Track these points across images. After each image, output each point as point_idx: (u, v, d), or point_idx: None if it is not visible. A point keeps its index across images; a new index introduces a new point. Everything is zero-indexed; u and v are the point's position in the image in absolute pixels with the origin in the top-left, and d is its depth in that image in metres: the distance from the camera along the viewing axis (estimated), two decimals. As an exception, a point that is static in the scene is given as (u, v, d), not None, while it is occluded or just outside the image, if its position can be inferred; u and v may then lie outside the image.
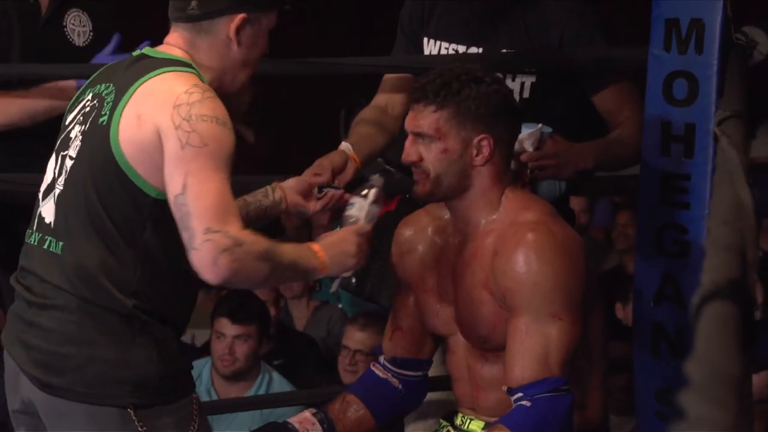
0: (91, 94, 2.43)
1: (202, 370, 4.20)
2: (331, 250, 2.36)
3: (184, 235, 2.22)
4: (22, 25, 3.25)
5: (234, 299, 4.23)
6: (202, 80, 2.34)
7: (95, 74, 2.49)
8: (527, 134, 2.66)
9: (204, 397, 4.12)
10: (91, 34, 3.34)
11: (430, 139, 2.45)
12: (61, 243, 2.35)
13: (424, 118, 2.45)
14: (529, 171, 2.63)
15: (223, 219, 2.21)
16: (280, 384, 4.15)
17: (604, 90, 2.87)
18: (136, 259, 2.32)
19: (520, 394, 2.36)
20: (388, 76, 3.08)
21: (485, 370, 2.53)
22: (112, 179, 2.30)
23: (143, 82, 2.32)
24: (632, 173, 2.98)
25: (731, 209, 1.41)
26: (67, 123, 2.45)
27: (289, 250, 2.32)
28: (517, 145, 2.60)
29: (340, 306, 5.11)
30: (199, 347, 4.71)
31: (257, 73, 2.52)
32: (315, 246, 2.36)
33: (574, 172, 2.71)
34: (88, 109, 2.41)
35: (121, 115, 2.30)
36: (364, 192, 2.52)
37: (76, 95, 2.49)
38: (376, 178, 2.54)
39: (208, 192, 2.22)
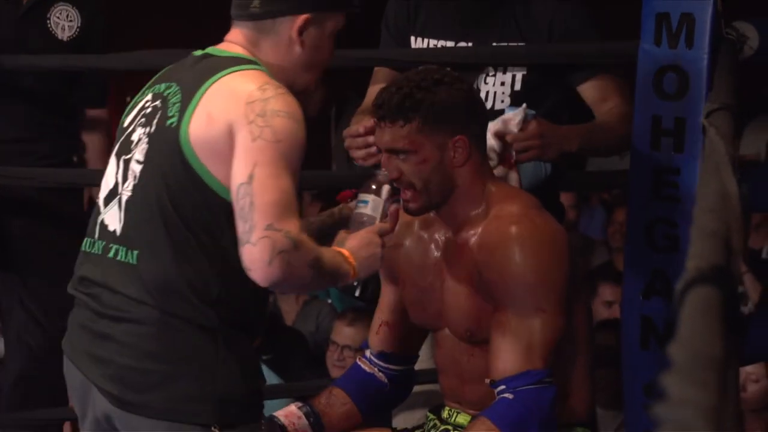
0: (151, 95, 2.34)
1: None
2: (359, 254, 2.29)
3: (241, 226, 2.13)
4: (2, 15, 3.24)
5: None
6: (271, 77, 2.26)
7: (156, 75, 2.40)
8: (512, 115, 2.64)
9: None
10: (79, 29, 3.32)
11: (406, 154, 2.43)
12: (135, 252, 2.24)
13: (394, 135, 2.43)
14: (514, 152, 2.63)
15: (286, 217, 2.13)
16: (267, 376, 4.14)
17: (589, 80, 2.87)
18: (216, 268, 2.22)
19: (503, 387, 2.37)
20: (378, 69, 3.08)
21: (471, 363, 2.53)
22: (185, 182, 2.21)
23: (213, 82, 2.24)
24: (623, 168, 2.98)
25: (717, 198, 1.41)
26: (125, 125, 2.36)
27: (329, 257, 2.23)
28: (501, 126, 2.60)
29: (329, 301, 5.12)
30: None
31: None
32: (344, 251, 2.28)
33: (558, 154, 2.71)
34: (150, 110, 2.31)
35: (191, 115, 2.22)
36: (374, 187, 2.43)
37: (135, 97, 2.41)
38: (383, 173, 2.45)
39: (274, 187, 2.13)
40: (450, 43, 2.92)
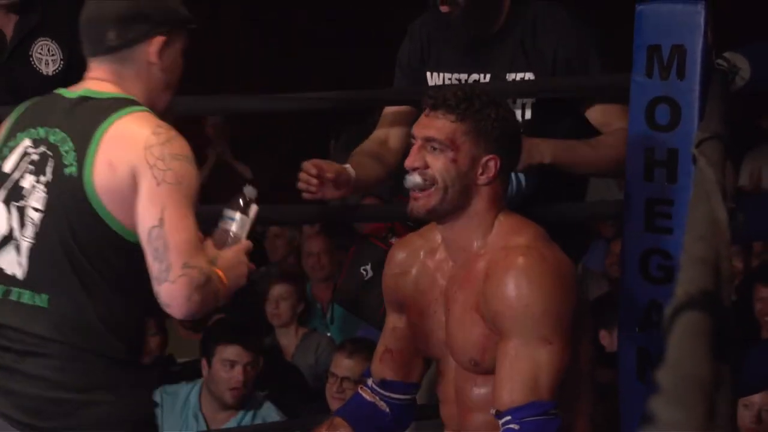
0: (29, 140, 2.42)
1: (189, 394, 4.17)
2: (229, 274, 2.39)
3: (156, 267, 2.27)
4: None
5: (237, 324, 4.21)
6: (156, 117, 2.39)
7: (18, 116, 2.48)
8: None
9: (191, 423, 4.10)
10: (62, 62, 3.33)
11: (442, 148, 2.47)
12: (44, 295, 2.36)
13: (443, 126, 2.47)
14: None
15: (197, 254, 2.29)
16: (267, 410, 4.14)
17: (596, 105, 2.91)
18: (122, 302, 2.36)
19: (509, 418, 2.37)
20: (388, 110, 3.11)
21: (474, 392, 2.53)
22: (91, 228, 2.33)
23: (106, 128, 2.34)
24: (617, 198, 2.99)
25: (707, 226, 1.42)
26: (7, 171, 2.42)
27: (215, 278, 2.35)
28: None
29: (328, 334, 5.11)
30: (177, 371, 4.68)
31: (248, 109, 2.54)
32: (219, 271, 2.37)
33: (527, 164, 2.75)
34: (37, 157, 2.40)
35: (92, 164, 2.32)
36: (242, 204, 2.46)
37: (2, 140, 2.48)
38: (250, 189, 2.48)
39: (184, 227, 2.28)
40: (464, 76, 2.96)
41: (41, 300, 2.36)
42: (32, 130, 2.42)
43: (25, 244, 2.38)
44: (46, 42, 3.31)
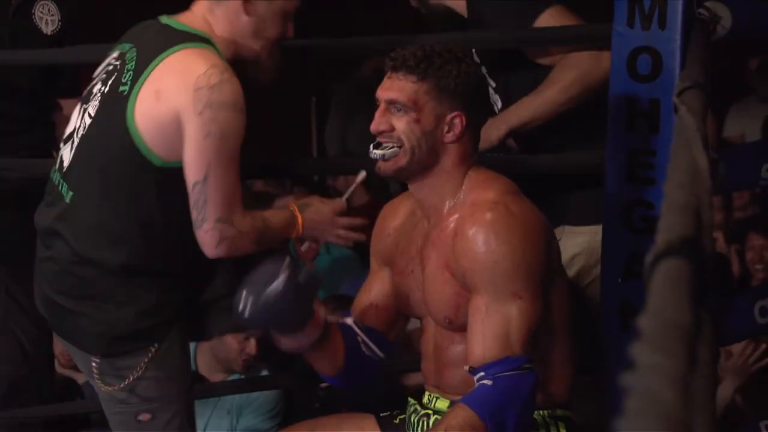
0: (117, 51, 2.62)
1: None
2: (309, 224, 2.69)
3: (195, 214, 2.51)
4: None
5: None
6: (220, 56, 2.51)
7: (130, 30, 2.68)
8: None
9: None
10: (60, 23, 3.37)
11: (405, 109, 2.45)
12: (71, 193, 2.59)
13: (403, 87, 2.46)
14: None
15: (233, 209, 2.51)
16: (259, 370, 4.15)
17: (542, 15, 2.93)
18: (136, 220, 2.55)
19: (482, 374, 2.38)
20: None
21: (451, 349, 2.54)
22: (121, 144, 2.52)
23: (163, 59, 2.49)
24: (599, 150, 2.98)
25: (687, 173, 1.42)
26: (95, 75, 2.66)
27: (275, 221, 2.65)
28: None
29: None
30: None
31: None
32: (295, 209, 2.68)
33: (491, 145, 2.80)
34: (110, 68, 2.61)
35: (140, 89, 2.49)
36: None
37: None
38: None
39: (225, 184, 2.48)
40: None
41: (69, 197, 2.59)
42: (122, 44, 2.62)
43: (75, 142, 2.61)
44: (47, 2, 3.35)
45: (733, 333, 3.13)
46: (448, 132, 2.46)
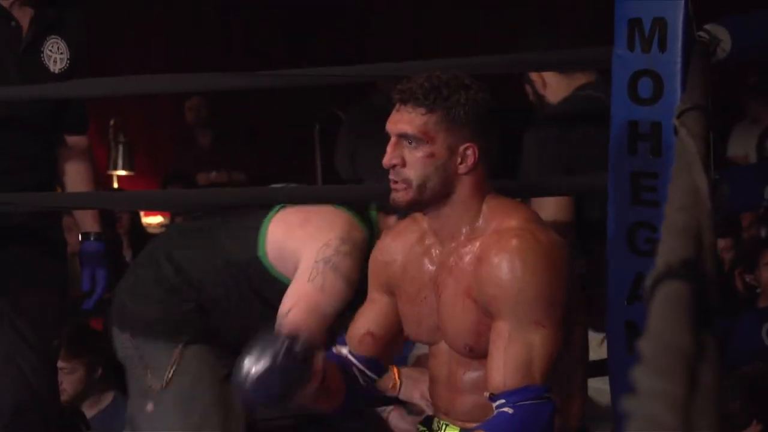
0: None
1: None
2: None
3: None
4: (2, 48, 3.27)
5: None
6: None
7: None
8: None
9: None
10: (68, 61, 3.36)
11: (417, 142, 2.44)
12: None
13: (413, 120, 2.44)
14: None
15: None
16: None
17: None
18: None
19: (502, 401, 2.37)
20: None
21: (467, 376, 2.53)
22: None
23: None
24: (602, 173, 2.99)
25: (688, 196, 1.42)
26: None
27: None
28: None
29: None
30: None
31: (228, 88, 2.52)
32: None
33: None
34: None
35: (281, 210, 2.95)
36: None
37: None
38: None
39: (305, 322, 2.68)
40: None
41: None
42: None
43: None
44: (56, 40, 3.35)
45: (739, 354, 3.13)
46: (461, 163, 2.46)
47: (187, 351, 2.93)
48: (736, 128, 6.69)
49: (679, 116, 1.84)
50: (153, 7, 8.17)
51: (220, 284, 2.92)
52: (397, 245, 2.63)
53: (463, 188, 2.47)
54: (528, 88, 3.29)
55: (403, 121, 2.45)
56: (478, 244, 2.45)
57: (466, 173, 2.46)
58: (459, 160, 2.46)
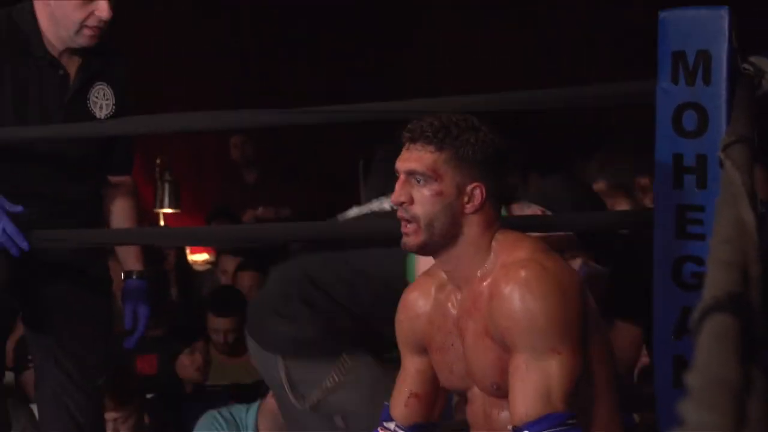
0: None
1: (246, 415, 4.15)
2: None
3: None
4: (50, 95, 3.32)
5: None
6: None
7: None
8: None
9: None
10: (114, 107, 3.41)
11: (425, 180, 2.46)
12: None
13: (422, 158, 2.47)
14: None
15: None
16: None
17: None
18: None
19: None
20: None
21: (502, 415, 2.52)
22: None
23: None
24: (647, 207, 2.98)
25: (733, 229, 1.41)
26: None
27: None
28: None
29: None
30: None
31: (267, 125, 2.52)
32: None
33: None
34: None
35: None
36: None
37: None
38: None
39: None
40: None
41: None
42: None
43: None
44: (102, 87, 3.40)
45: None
46: (469, 203, 2.47)
47: (349, 359, 3.10)
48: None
49: (724, 149, 1.83)
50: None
51: (364, 295, 3.08)
52: (421, 298, 2.64)
53: (471, 228, 2.48)
54: None
55: (412, 158, 2.48)
56: (489, 280, 2.47)
57: (473, 212, 2.48)
58: (466, 199, 2.48)
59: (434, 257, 2.55)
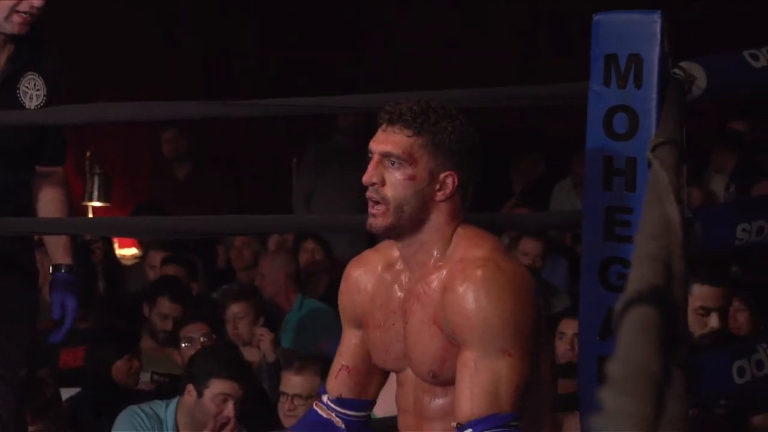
0: None
1: (165, 411, 4.12)
2: None
3: None
4: None
5: (233, 357, 4.20)
6: None
7: None
8: None
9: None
10: (45, 98, 3.36)
11: (400, 163, 2.46)
12: None
13: (399, 141, 2.46)
14: None
15: None
16: None
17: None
18: None
19: (470, 430, 2.37)
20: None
21: (433, 403, 2.53)
22: None
23: None
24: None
25: (659, 226, 1.43)
26: None
27: None
28: None
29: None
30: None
31: (200, 116, 2.51)
32: None
33: None
34: None
35: None
36: None
37: None
38: None
39: None
40: None
41: None
42: None
43: None
44: (33, 77, 3.33)
45: (710, 392, 3.13)
46: (440, 191, 2.47)
47: None
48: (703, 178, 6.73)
49: (653, 150, 1.85)
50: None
51: None
52: (365, 275, 2.63)
53: (439, 216, 2.48)
54: None
55: (388, 140, 2.47)
56: (445, 272, 2.47)
57: (443, 200, 2.47)
58: (438, 186, 2.47)
59: (396, 240, 2.54)
